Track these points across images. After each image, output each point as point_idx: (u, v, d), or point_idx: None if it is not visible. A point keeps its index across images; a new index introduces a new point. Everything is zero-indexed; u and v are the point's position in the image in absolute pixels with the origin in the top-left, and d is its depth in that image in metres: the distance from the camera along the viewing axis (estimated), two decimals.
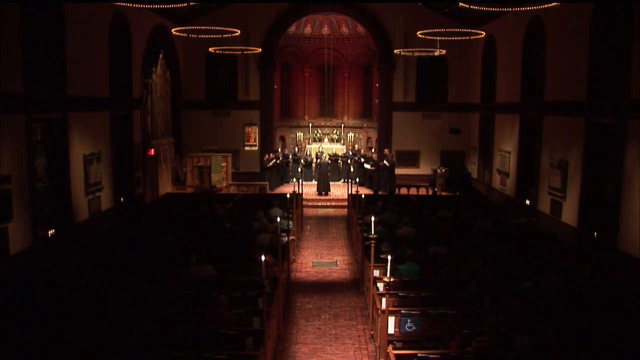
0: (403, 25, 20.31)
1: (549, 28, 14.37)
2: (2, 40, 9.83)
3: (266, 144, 22.01)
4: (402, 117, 21.98)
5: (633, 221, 10.29)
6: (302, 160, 21.06)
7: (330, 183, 20.17)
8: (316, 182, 20.10)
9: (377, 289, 8.41)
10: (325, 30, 23.75)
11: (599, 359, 6.32)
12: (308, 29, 23.86)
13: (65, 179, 12.32)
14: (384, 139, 22.04)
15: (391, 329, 7.40)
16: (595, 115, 12.13)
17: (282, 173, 21.26)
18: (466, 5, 12.95)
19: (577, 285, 8.28)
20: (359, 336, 8.50)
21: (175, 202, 16.00)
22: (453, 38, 18.00)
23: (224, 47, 18.63)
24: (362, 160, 20.94)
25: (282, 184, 20.99)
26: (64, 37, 12.13)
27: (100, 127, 14.22)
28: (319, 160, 20.39)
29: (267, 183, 19.73)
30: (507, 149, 17.56)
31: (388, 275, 6.78)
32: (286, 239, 10.75)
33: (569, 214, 12.95)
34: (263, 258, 6.42)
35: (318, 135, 24.37)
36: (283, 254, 9.54)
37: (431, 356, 6.18)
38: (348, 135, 24.38)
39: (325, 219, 17.15)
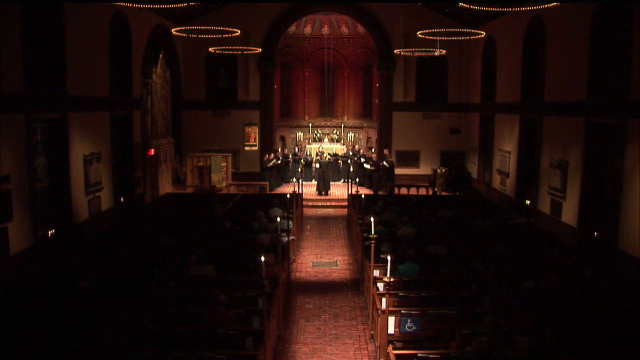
0: (403, 25, 20.31)
1: (549, 28, 14.37)
2: (2, 40, 9.84)
3: (266, 144, 22.01)
4: (402, 117, 21.99)
5: (633, 221, 10.28)
6: (302, 160, 21.06)
7: (330, 183, 20.16)
8: (316, 182, 20.10)
9: (377, 289, 8.41)
10: (325, 30, 23.75)
11: (599, 359, 6.32)
12: (308, 29, 23.86)
13: (65, 179, 12.32)
14: (384, 139, 22.04)
15: (391, 329, 7.39)
16: (595, 115, 12.12)
17: (282, 173, 21.26)
18: (466, 5, 12.95)
19: (577, 285, 8.28)
20: (359, 336, 8.50)
21: (175, 202, 16.00)
22: (453, 38, 18.01)
23: (224, 47, 18.64)
24: (362, 160, 20.94)
25: (282, 184, 20.99)
26: (64, 37, 12.12)
27: (100, 127, 14.22)
28: (319, 160, 20.39)
29: (267, 183, 19.73)
30: (507, 149, 17.56)
31: (388, 275, 6.79)
32: (286, 239, 10.75)
33: (569, 214, 12.95)
34: (263, 258, 6.42)
35: (318, 135, 24.37)
36: (283, 254, 9.54)
37: (431, 356, 6.18)
38: (348, 135, 24.39)
39: (325, 219, 17.15)
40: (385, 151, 20.85)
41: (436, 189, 18.82)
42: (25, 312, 7.07)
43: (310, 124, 24.58)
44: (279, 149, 22.27)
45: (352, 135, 24.42)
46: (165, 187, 18.89)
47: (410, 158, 22.18)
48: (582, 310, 7.35)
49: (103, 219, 13.87)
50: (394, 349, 6.59)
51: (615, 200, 11.09)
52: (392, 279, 6.94)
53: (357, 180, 19.63)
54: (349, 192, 15.89)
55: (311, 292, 10.46)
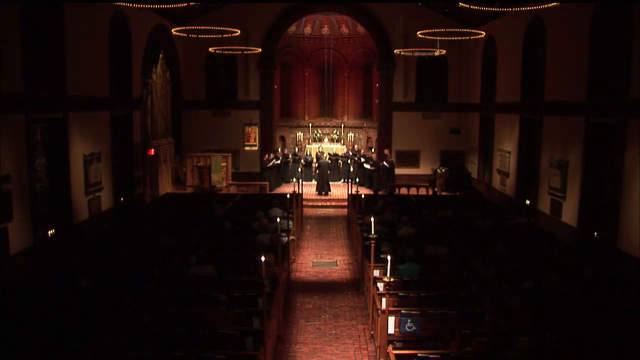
0: (403, 25, 20.31)
1: (549, 28, 14.37)
2: (2, 40, 9.83)
3: (266, 144, 22.01)
4: (402, 117, 21.99)
5: (633, 221, 10.28)
6: (302, 160, 21.06)
7: (330, 183, 20.17)
8: (316, 182, 20.10)
9: (377, 289, 8.41)
10: (325, 30, 23.75)
11: (599, 359, 6.32)
12: (308, 29, 23.86)
13: (65, 179, 12.32)
14: (384, 139, 22.04)
15: (391, 329, 7.40)
16: (595, 115, 12.12)
17: (282, 173, 21.26)
18: (466, 5, 12.95)
19: (577, 285, 8.28)
20: (359, 336, 8.50)
21: (175, 202, 16.00)
22: (453, 38, 18.01)
23: (224, 47, 18.64)
24: (362, 160, 20.95)
25: (282, 184, 20.99)
26: (64, 37, 12.12)
27: (100, 127, 14.22)
28: (319, 160, 20.38)
29: (267, 183, 19.73)
30: (507, 149, 17.56)
31: (388, 275, 6.79)
32: (286, 239, 10.75)
33: (569, 214, 12.95)
34: (263, 258, 6.42)
35: (318, 135, 24.38)
36: (283, 254, 9.54)
37: (431, 356, 6.18)
38: (348, 135, 24.39)
39: (325, 219, 17.15)
40: (386, 151, 20.85)
41: (436, 189, 18.83)
42: (25, 312, 7.07)
43: (310, 124, 24.58)
44: (279, 149, 22.27)
45: (352, 135, 24.42)
46: (165, 187, 18.88)
47: (410, 158, 22.18)
48: (582, 310, 7.35)
49: (103, 219, 13.87)
50: (394, 349, 6.59)
51: (615, 200, 11.09)
52: (392, 279, 6.94)
53: (357, 180, 19.62)
54: (349, 192, 15.88)
55: (311, 292, 10.46)
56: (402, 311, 7.47)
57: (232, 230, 11.84)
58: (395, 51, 19.62)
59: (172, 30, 17.93)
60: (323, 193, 19.59)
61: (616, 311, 7.37)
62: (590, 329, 6.77)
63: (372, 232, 8.59)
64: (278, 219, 10.11)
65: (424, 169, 21.84)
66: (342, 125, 24.54)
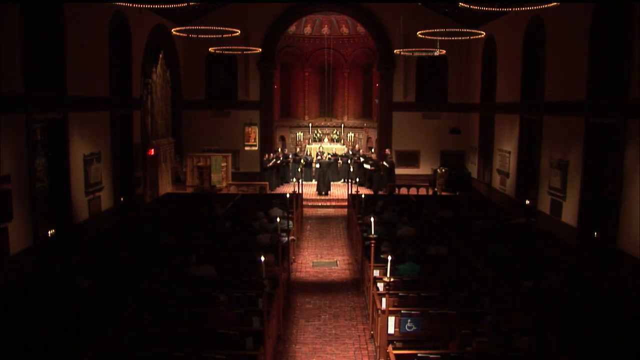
0: (403, 25, 20.32)
1: (549, 28, 14.37)
2: (2, 40, 9.83)
3: (266, 144, 22.01)
4: (402, 117, 22.00)
5: (633, 221, 10.28)
6: (302, 160, 21.07)
7: (331, 183, 20.17)
8: (316, 182, 20.10)
9: (377, 289, 8.41)
10: (325, 30, 23.76)
11: (599, 359, 6.32)
12: (308, 29, 23.87)
13: (65, 179, 12.32)
14: (384, 139, 22.05)
15: (391, 329, 7.39)
16: (595, 115, 12.13)
17: (282, 173, 21.26)
18: (466, 5, 12.96)
19: (577, 285, 8.27)
20: (359, 336, 8.50)
21: (175, 202, 16.00)
22: (453, 38, 18.02)
23: (224, 47, 18.64)
24: (362, 160, 20.95)
25: (282, 184, 20.99)
26: (64, 37, 12.12)
27: (100, 127, 14.22)
28: (319, 160, 20.39)
29: (267, 183, 19.73)
30: (507, 149, 17.56)
31: (388, 275, 6.78)
32: (286, 239, 10.75)
33: (569, 214, 12.95)
34: (263, 258, 6.42)
35: (318, 135, 24.39)
36: (283, 254, 9.54)
37: (431, 356, 6.18)
38: (348, 135, 24.39)
39: (325, 219, 17.15)
40: (387, 151, 20.85)
41: (436, 189, 18.82)
42: (25, 312, 7.07)
43: (310, 124, 24.59)
44: (279, 149, 22.27)
45: (352, 135, 24.43)
46: (165, 187, 18.89)
47: (410, 158, 22.18)
48: (582, 310, 7.35)
49: (103, 219, 13.86)
50: (394, 349, 6.59)
51: (615, 200, 11.08)
52: (392, 279, 6.94)
53: (357, 180, 19.63)
54: (349, 192, 15.88)
55: (311, 292, 10.46)
56: (402, 311, 7.47)
57: (232, 230, 11.84)
58: (395, 51, 19.62)
59: (172, 30, 17.94)
60: (323, 193, 19.58)
61: (616, 311, 7.37)
62: (590, 329, 6.77)
63: (372, 232, 8.59)
64: (278, 219, 10.09)
65: (424, 169, 21.84)
66: (342, 125, 24.54)
